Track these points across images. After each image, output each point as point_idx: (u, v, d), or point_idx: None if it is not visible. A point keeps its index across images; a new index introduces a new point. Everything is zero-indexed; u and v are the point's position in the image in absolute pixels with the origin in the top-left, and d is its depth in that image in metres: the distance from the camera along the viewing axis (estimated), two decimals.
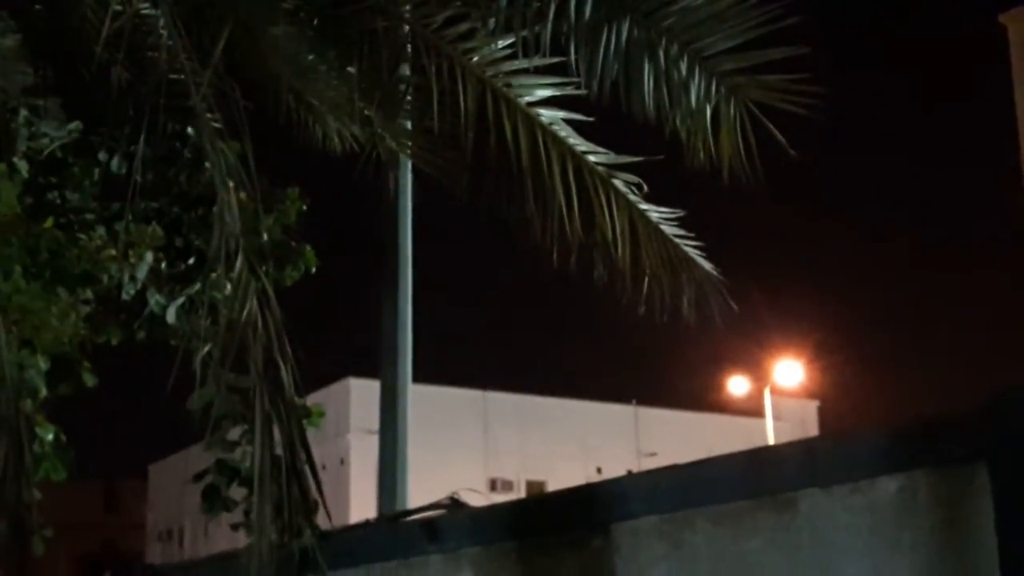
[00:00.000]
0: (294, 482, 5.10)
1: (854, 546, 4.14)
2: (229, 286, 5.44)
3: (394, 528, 6.63)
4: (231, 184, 5.54)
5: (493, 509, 6.02)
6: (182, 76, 6.04)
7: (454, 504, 6.13)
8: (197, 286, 8.22)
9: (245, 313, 5.26)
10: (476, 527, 5.76)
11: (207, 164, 6.24)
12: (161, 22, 6.23)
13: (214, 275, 5.67)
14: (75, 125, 8.24)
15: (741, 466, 4.68)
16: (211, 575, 7.09)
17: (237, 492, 7.28)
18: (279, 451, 5.18)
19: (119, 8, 6.28)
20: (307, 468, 5.21)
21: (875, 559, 4.07)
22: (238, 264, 5.36)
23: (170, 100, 6.22)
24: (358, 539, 6.59)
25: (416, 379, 9.95)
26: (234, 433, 6.89)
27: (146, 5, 6.66)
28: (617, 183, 6.36)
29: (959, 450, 3.85)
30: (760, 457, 4.91)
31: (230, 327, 5.32)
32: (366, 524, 6.96)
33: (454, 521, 5.90)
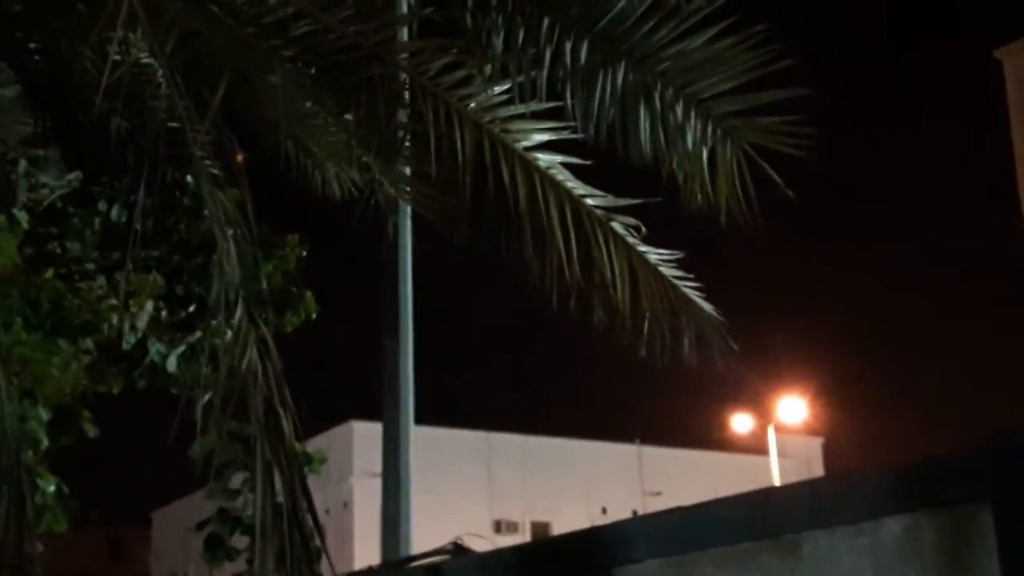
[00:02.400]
0: (296, 530, 5.08)
1: None
2: (230, 334, 5.45)
3: (397, 575, 6.60)
4: (230, 232, 5.55)
5: (496, 554, 6.00)
6: (181, 124, 6.07)
7: (457, 549, 6.11)
8: (198, 334, 8.23)
9: (245, 361, 5.26)
10: (480, 573, 5.74)
11: (206, 212, 6.25)
12: (160, 72, 6.25)
13: (214, 323, 5.67)
14: (75, 175, 8.27)
15: (744, 508, 4.67)
16: None
17: (239, 540, 7.27)
18: (281, 499, 5.16)
19: (118, 58, 6.30)
20: (308, 516, 5.19)
21: None
22: (238, 313, 5.37)
23: (169, 149, 6.25)
24: None
25: (419, 421, 9.94)
26: (236, 481, 6.88)
27: (145, 55, 6.69)
28: (615, 226, 6.37)
29: (963, 490, 3.84)
30: (763, 498, 4.89)
31: (230, 375, 5.32)
32: (369, 571, 6.93)
33: (458, 567, 5.87)
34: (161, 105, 6.23)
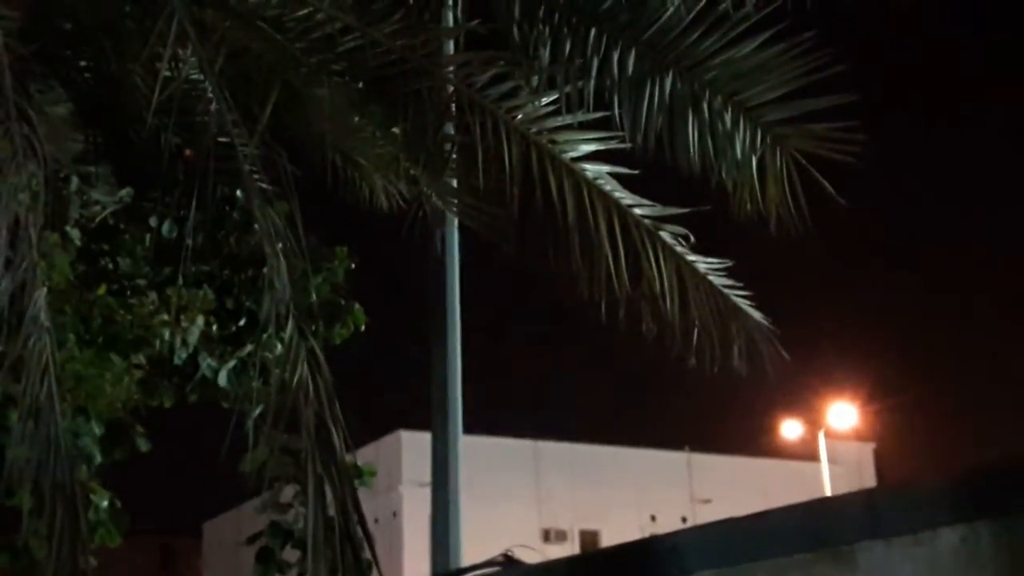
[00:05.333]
0: (347, 544, 5.08)
1: None
2: (280, 347, 5.47)
3: None
4: (279, 246, 5.57)
5: (547, 566, 5.98)
6: (230, 140, 6.11)
7: (507, 561, 6.10)
8: (248, 348, 8.28)
9: (296, 375, 5.28)
10: None
11: (256, 226, 6.29)
12: (209, 88, 6.29)
13: (265, 337, 5.70)
14: (126, 191, 8.35)
15: (799, 518, 4.63)
16: None
17: (291, 554, 7.30)
18: (332, 513, 5.17)
19: (168, 75, 6.35)
20: (359, 529, 5.20)
21: None
22: (288, 326, 5.39)
23: (219, 164, 6.28)
24: None
25: (467, 431, 9.93)
26: (287, 494, 6.91)
27: (194, 71, 6.73)
28: (664, 235, 6.36)
29: (1023, 498, 3.79)
30: (818, 509, 4.85)
31: (281, 389, 5.34)
32: None
33: None
34: (211, 121, 6.26)
